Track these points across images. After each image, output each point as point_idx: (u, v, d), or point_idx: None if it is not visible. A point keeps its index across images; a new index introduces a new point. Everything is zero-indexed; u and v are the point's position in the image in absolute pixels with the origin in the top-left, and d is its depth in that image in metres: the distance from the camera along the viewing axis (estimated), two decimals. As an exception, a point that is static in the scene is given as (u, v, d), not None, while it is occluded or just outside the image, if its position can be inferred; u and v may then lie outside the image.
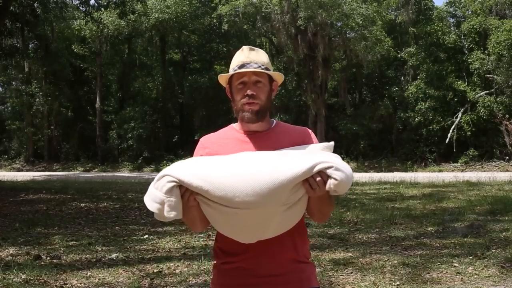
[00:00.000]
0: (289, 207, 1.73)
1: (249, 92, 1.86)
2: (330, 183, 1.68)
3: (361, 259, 5.66)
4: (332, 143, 1.88)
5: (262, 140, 1.91)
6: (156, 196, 1.70)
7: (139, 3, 20.12)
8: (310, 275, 1.91)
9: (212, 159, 1.78)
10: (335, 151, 1.86)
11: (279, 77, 1.96)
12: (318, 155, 1.75)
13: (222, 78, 1.96)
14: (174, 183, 1.68)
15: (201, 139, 2.02)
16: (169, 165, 1.82)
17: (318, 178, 1.68)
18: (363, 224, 8.13)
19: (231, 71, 1.91)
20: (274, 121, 2.01)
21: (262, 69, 1.88)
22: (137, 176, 21.72)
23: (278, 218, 1.73)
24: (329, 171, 1.68)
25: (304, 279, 1.88)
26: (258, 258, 1.83)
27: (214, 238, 1.91)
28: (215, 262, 1.96)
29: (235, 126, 2.00)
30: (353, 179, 1.75)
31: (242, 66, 1.88)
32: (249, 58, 1.89)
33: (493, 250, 5.99)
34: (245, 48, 1.94)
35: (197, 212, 1.78)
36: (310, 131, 2.00)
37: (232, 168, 1.69)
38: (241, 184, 1.65)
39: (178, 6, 27.67)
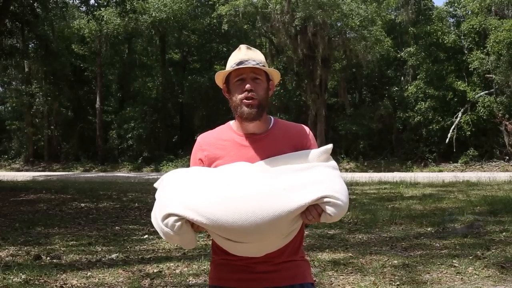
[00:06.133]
0: (289, 233, 1.83)
1: (248, 86, 1.87)
2: (325, 217, 1.78)
3: (361, 259, 5.66)
4: (330, 146, 1.91)
5: (260, 144, 1.92)
6: (169, 234, 1.81)
7: (139, 2, 20.08)
8: (304, 271, 1.96)
9: (209, 178, 1.82)
10: (334, 152, 1.89)
11: (276, 76, 1.97)
12: (317, 178, 1.79)
13: (220, 76, 1.96)
14: (181, 221, 1.77)
15: (198, 139, 2.03)
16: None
17: (314, 211, 1.77)
18: (363, 224, 8.14)
19: (229, 69, 1.92)
20: (272, 119, 2.01)
21: (260, 66, 1.89)
22: (137, 176, 21.72)
23: (280, 242, 1.84)
24: (326, 207, 1.76)
25: (298, 275, 1.93)
26: (255, 258, 1.87)
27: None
28: (213, 257, 1.99)
29: (233, 125, 1.99)
30: (348, 204, 1.83)
31: (240, 63, 1.89)
32: (247, 55, 1.90)
33: (493, 250, 5.98)
34: (242, 46, 1.95)
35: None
36: (307, 129, 2.01)
37: (231, 199, 1.74)
38: (244, 223, 1.72)
39: (175, 3, 27.65)
